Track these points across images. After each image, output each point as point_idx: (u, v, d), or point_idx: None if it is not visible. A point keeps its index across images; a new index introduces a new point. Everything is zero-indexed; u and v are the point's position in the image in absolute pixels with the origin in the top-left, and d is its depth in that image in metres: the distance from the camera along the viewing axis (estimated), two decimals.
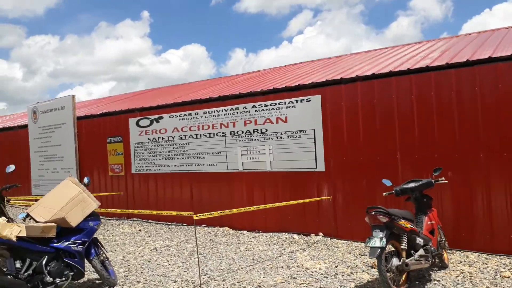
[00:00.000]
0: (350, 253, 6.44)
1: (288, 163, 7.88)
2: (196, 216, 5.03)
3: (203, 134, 9.17)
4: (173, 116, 9.75)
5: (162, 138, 9.94)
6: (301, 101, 7.72)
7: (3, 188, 6.30)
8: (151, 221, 10.26)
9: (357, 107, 7.16)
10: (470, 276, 5.17)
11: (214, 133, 8.98)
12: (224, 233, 8.27)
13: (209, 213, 5.26)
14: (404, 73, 6.81)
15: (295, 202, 6.72)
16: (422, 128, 6.58)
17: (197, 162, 9.32)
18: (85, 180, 5.23)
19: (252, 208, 5.96)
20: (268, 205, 6.08)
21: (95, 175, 11.86)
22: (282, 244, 7.13)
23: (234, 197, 8.77)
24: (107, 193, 11.10)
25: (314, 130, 7.56)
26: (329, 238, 7.31)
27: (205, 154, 9.17)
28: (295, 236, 7.55)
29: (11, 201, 6.51)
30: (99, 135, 11.61)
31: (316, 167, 7.55)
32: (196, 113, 9.32)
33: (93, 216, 4.91)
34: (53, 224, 4.41)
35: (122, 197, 10.95)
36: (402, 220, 4.59)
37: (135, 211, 6.36)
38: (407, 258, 4.57)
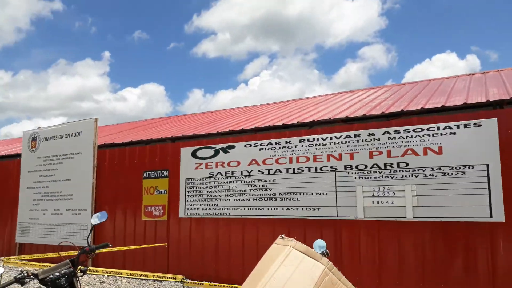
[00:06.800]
0: None
1: (443, 210, 5.80)
2: None
3: (299, 169, 6.97)
4: (250, 145, 7.51)
5: (232, 172, 7.62)
6: (465, 126, 5.80)
7: (82, 252, 3.01)
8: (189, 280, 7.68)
9: None
10: None
11: (316, 167, 6.81)
12: None
13: None
14: None
15: None
16: None
17: (286, 205, 7.03)
18: (322, 247, 2.78)
19: None
20: None
21: (118, 219, 9.20)
22: None
23: (344, 254, 6.51)
24: (145, 245, 8.41)
25: (487, 165, 5.61)
26: None
27: (299, 194, 6.93)
28: None
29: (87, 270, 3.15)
30: (130, 168, 9.09)
31: (491, 216, 5.52)
32: (287, 142, 7.16)
33: None
34: None
35: (160, 250, 8.31)
36: None
37: None
38: None
